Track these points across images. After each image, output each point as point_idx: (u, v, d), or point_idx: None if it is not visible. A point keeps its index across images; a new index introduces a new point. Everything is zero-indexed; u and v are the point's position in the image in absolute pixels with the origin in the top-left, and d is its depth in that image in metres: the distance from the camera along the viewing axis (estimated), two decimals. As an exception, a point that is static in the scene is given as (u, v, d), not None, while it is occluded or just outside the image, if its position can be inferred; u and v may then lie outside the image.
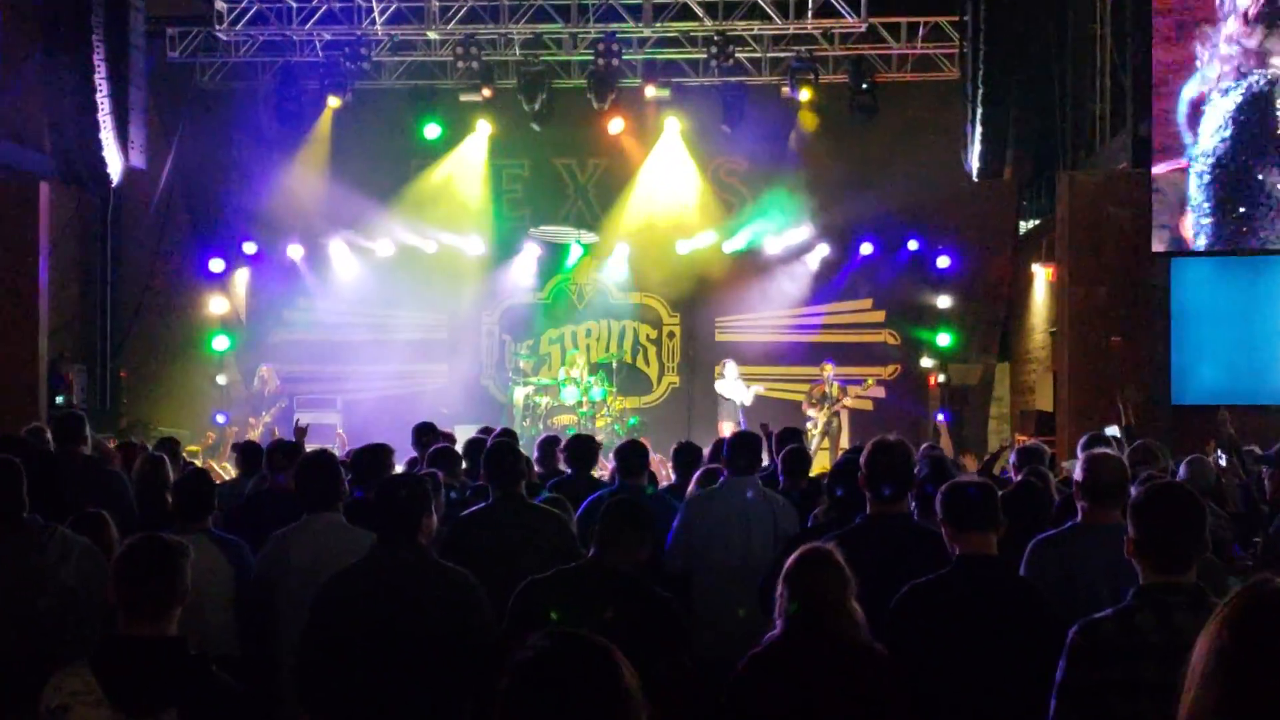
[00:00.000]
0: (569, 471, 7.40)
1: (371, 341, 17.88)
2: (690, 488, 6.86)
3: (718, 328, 18.20)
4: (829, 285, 17.71)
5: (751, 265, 17.72)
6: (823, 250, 17.56)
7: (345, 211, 17.24)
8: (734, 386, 15.97)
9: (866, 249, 17.41)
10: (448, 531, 5.23)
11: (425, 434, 7.94)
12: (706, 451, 7.76)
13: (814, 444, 14.90)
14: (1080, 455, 4.84)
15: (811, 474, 7.45)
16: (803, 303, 17.83)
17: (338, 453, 12.25)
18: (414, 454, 7.92)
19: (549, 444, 8.13)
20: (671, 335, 18.54)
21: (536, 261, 18.23)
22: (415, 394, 17.67)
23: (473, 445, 7.56)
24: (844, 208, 16.89)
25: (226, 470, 13.03)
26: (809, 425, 15.26)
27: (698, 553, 6.02)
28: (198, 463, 12.66)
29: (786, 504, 6.18)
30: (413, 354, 18.08)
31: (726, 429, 15.43)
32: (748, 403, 15.82)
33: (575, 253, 18.13)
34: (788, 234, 17.42)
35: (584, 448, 7.31)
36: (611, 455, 6.87)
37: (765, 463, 7.58)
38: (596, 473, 8.51)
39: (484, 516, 5.39)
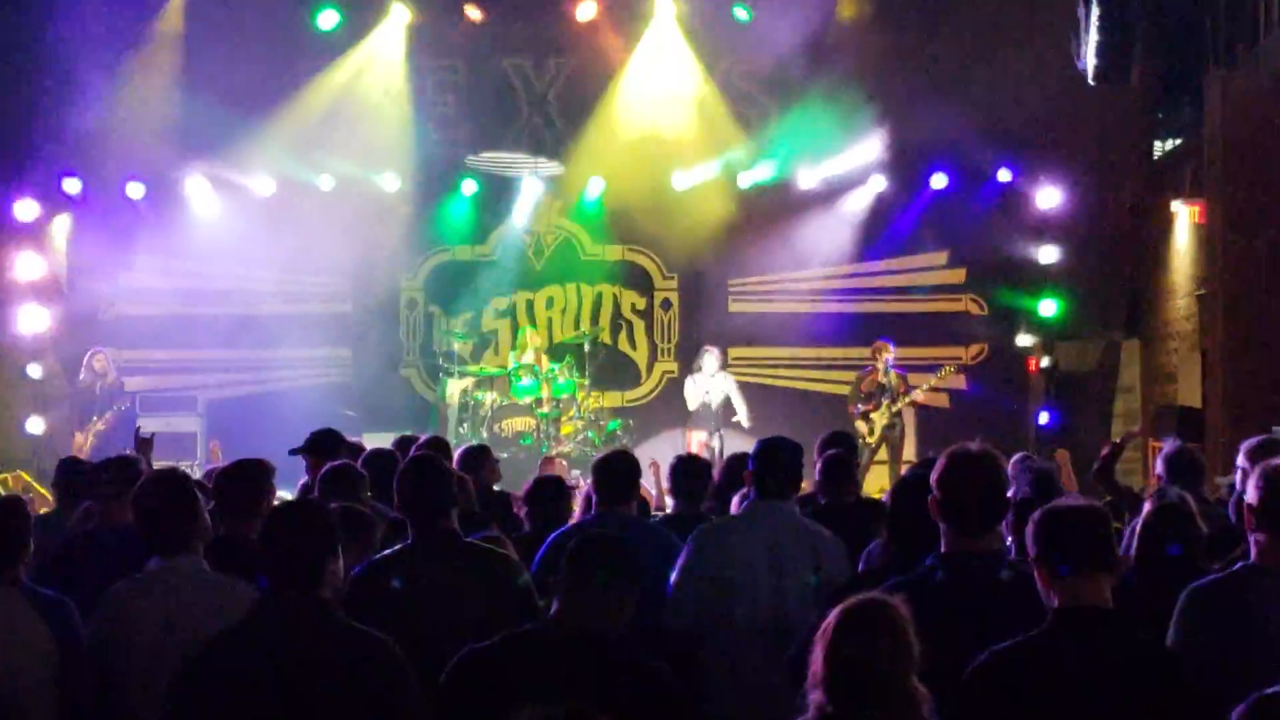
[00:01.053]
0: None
1: (246, 317, 17.84)
2: (735, 507, 6.87)
3: (732, 294, 18.26)
4: (887, 233, 17.80)
5: (778, 206, 17.76)
6: (878, 184, 17.61)
7: (206, 134, 17.14)
8: (714, 385, 16.16)
9: (939, 181, 17.47)
10: (348, 583, 5.23)
11: (324, 447, 7.94)
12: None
13: (866, 457, 14.95)
14: (1251, 468, 4.81)
15: (866, 495, 7.51)
16: (850, 258, 17.92)
17: (198, 473, 12.22)
18: (308, 474, 7.90)
19: (475, 457, 8.16)
20: (667, 305, 18.59)
21: (477, 203, 18.24)
22: (309, 390, 17.70)
23: (377, 460, 7.62)
24: (907, 124, 16.90)
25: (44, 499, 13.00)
26: (861, 430, 15.30)
27: (710, 607, 6.05)
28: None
29: (834, 540, 6.21)
30: (304, 334, 18.04)
31: (695, 444, 15.54)
32: (745, 422, 15.99)
33: (531, 190, 18.14)
34: (828, 162, 17.44)
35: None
36: (585, 475, 6.89)
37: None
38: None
39: (400, 561, 5.40)
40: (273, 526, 4.37)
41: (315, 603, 4.24)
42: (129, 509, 6.07)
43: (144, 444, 8.76)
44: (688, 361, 17.45)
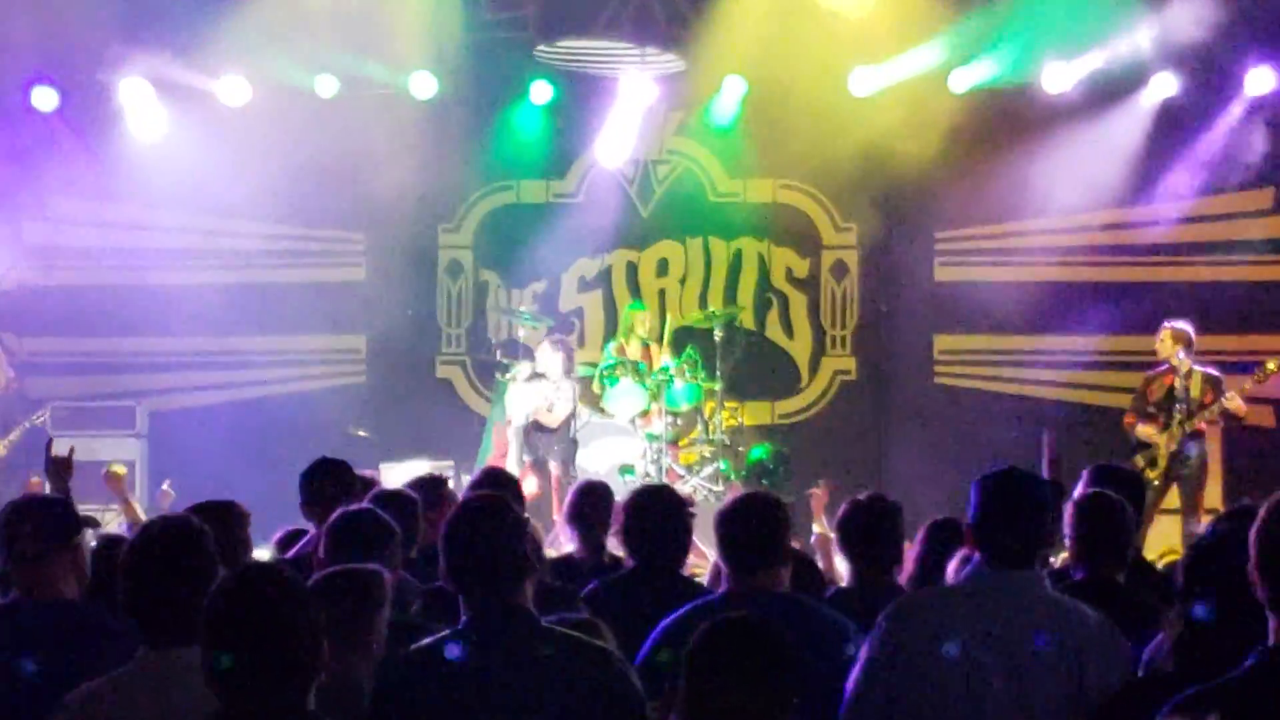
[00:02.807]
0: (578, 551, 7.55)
1: (209, 288, 18.09)
2: (951, 574, 6.87)
3: (940, 255, 18.29)
4: (1180, 161, 17.66)
5: (1011, 121, 17.75)
6: (1165, 86, 17.50)
7: (150, 18, 17.33)
8: (556, 396, 16.36)
9: (1261, 82, 17.33)
10: (375, 684, 5.35)
11: (327, 484, 8.06)
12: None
13: (1148, 500, 14.78)
14: None
15: (1150, 560, 7.45)
16: (1122, 199, 17.84)
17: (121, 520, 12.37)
18: (306, 523, 8.07)
19: (591, 499, 8.32)
20: (841, 270, 18.62)
21: (552, 116, 18.36)
22: (300, 399, 17.91)
23: (399, 503, 7.66)
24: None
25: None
26: (1142, 458, 15.18)
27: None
28: None
29: (1106, 626, 6.10)
30: (295, 313, 18.28)
31: (531, 485, 15.64)
32: (553, 421, 16.27)
33: (635, 97, 18.15)
34: (1088, 54, 17.36)
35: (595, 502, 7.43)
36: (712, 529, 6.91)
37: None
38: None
39: (449, 654, 5.40)
40: (221, 610, 4.40)
41: (295, 717, 4.32)
42: (64, 572, 6.16)
43: (59, 465, 8.80)
44: (878, 356, 17.41)
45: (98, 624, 6.09)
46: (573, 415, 16.50)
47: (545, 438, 16.42)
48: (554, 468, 16.11)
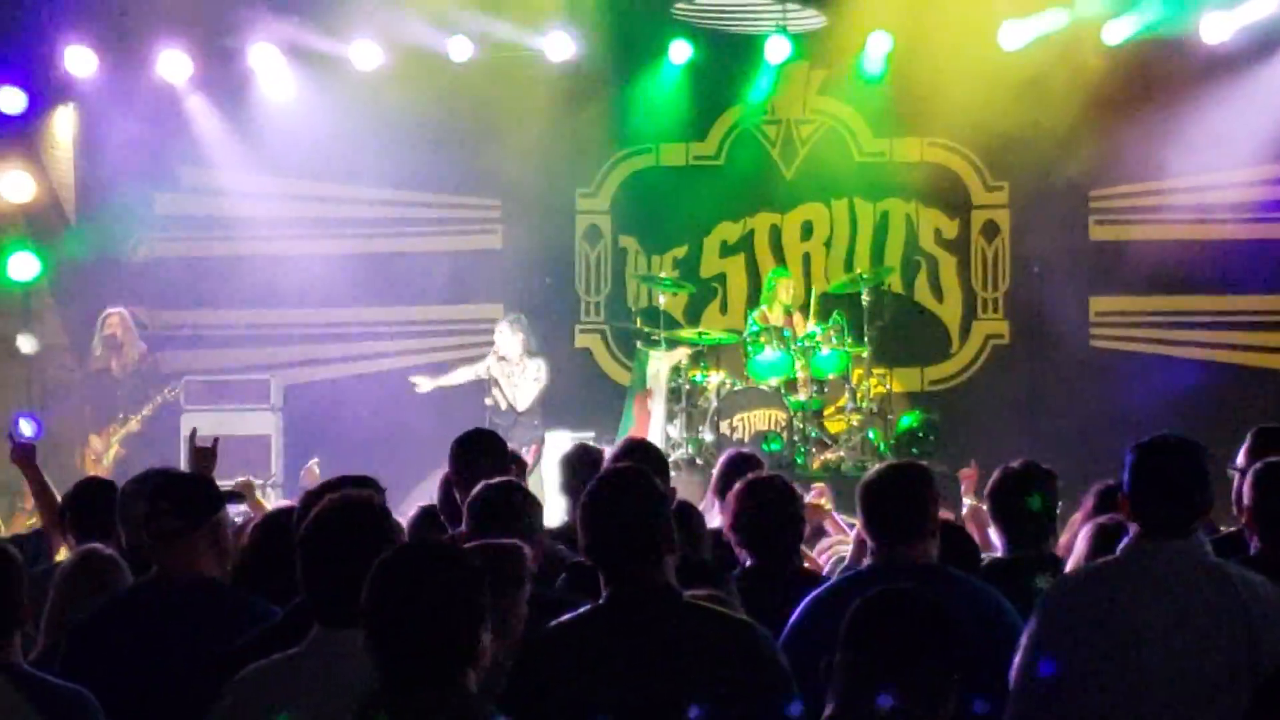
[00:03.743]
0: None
1: (343, 258, 18.22)
2: (1078, 553, 6.82)
3: (1095, 214, 18.16)
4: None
5: (1168, 74, 17.58)
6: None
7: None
8: (520, 375, 16.47)
9: None
10: (515, 661, 5.40)
11: (480, 457, 8.11)
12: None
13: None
14: None
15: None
16: (1283, 154, 17.65)
17: (275, 498, 12.44)
18: (438, 495, 8.15)
19: (743, 471, 8.26)
20: (992, 231, 18.53)
21: (691, 76, 18.34)
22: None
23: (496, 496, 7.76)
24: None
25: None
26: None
27: (1072, 707, 5.96)
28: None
29: (1276, 591, 6.08)
30: (430, 283, 18.41)
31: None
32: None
33: (777, 53, 18.14)
34: (1245, 4, 17.08)
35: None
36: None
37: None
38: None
39: (582, 633, 5.48)
40: (385, 588, 4.47)
41: (457, 699, 4.37)
42: (205, 549, 6.27)
43: (202, 454, 8.81)
44: (1031, 320, 17.30)
45: (237, 602, 6.19)
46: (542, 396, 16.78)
47: (512, 421, 16.52)
48: (524, 453, 16.10)
